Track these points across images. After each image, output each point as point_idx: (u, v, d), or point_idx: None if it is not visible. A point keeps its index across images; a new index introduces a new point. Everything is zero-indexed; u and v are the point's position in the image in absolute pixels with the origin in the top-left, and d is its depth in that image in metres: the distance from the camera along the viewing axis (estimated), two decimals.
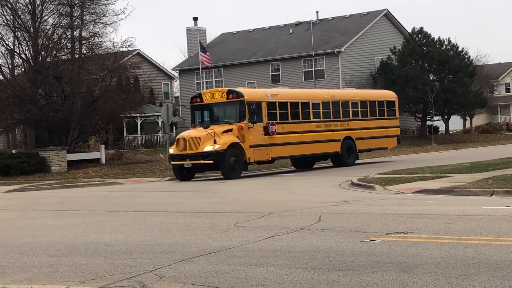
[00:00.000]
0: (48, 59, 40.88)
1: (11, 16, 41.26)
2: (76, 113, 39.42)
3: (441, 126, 64.44)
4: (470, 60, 60.13)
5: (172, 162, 27.79)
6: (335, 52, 55.91)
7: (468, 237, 10.05)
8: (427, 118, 59.69)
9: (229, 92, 27.96)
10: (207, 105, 28.41)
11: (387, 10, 60.66)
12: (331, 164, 32.23)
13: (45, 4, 41.05)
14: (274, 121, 28.20)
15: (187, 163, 26.73)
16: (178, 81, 65.89)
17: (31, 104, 38.49)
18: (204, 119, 28.49)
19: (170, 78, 63.91)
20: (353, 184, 20.79)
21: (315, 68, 56.90)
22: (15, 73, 43.51)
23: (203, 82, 51.60)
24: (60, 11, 41.33)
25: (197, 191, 21.82)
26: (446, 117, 62.48)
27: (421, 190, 17.73)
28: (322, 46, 56.54)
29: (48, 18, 41.73)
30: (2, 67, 42.90)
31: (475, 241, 9.69)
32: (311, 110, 30.36)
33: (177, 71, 64.38)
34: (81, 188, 26.47)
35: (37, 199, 21.71)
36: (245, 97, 27.39)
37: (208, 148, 26.15)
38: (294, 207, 14.99)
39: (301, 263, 8.65)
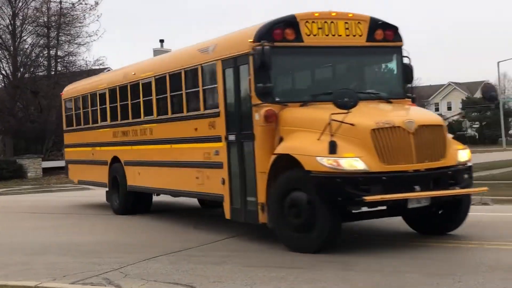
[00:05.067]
0: (26, 75, 40.71)
1: None
2: (51, 124, 39.09)
3: None
4: None
5: (368, 198, 8.46)
6: None
7: None
8: None
9: (377, 24, 10.38)
10: (319, 50, 10.04)
11: None
12: None
13: (24, 26, 40.73)
14: None
15: (422, 196, 8.80)
16: None
17: (10, 116, 38.20)
18: (293, 84, 10.58)
19: None
20: None
21: None
22: None
23: None
24: (38, 32, 41.07)
25: None
26: None
27: None
28: None
29: (27, 38, 41.42)
30: None
31: None
32: None
33: None
34: (55, 193, 26.15)
35: (14, 202, 21.42)
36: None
37: (464, 155, 9.64)
38: None
39: None
